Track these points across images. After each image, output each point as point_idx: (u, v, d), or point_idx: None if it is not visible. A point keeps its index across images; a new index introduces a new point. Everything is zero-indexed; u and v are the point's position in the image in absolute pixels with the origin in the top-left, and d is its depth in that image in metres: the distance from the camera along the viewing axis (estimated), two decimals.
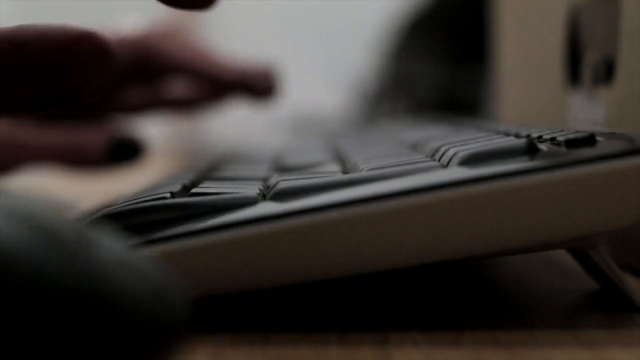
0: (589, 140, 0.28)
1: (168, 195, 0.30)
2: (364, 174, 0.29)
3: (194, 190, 0.31)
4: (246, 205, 0.28)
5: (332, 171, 0.34)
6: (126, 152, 0.53)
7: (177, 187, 0.32)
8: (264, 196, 0.30)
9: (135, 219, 0.28)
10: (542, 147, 0.29)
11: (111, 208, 0.29)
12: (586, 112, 0.41)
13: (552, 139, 0.30)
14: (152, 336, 0.18)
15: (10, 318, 0.16)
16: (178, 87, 0.60)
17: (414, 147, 0.38)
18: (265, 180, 0.35)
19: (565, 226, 0.27)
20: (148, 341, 0.17)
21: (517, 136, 0.34)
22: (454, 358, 0.25)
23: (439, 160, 0.31)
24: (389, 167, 0.30)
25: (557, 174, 0.26)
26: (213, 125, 1.73)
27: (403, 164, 0.30)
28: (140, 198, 0.30)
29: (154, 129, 1.59)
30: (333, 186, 0.28)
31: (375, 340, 0.26)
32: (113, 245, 0.18)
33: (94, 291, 0.17)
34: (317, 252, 0.27)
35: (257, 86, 0.56)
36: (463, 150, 0.29)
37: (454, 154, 0.29)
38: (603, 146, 0.28)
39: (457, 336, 0.27)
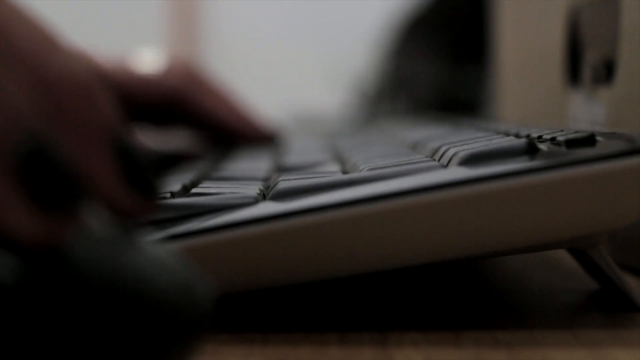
0: (589, 140, 0.28)
1: (168, 195, 0.30)
2: (364, 174, 0.29)
3: (194, 190, 0.31)
4: (246, 205, 0.28)
5: (332, 171, 0.34)
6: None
7: (177, 187, 0.32)
8: (264, 196, 0.30)
9: None
10: (542, 147, 0.29)
11: None
12: (586, 112, 0.41)
13: (552, 139, 0.30)
14: (181, 328, 0.18)
15: (65, 311, 0.17)
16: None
17: (414, 147, 0.38)
18: (265, 180, 0.35)
19: (565, 226, 0.27)
20: (177, 332, 0.18)
21: (517, 136, 0.34)
22: (454, 358, 0.25)
23: (439, 160, 0.31)
24: (389, 167, 0.30)
25: (557, 174, 0.26)
26: None
27: (403, 164, 0.30)
28: None
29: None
30: (333, 186, 0.28)
31: (375, 340, 0.26)
32: (146, 244, 0.19)
33: (135, 288, 0.18)
34: (317, 252, 0.27)
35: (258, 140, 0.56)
36: (463, 150, 0.29)
37: (454, 154, 0.29)
38: (603, 146, 0.28)
39: (457, 336, 0.27)
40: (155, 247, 0.19)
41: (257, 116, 0.56)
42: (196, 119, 0.54)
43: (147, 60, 0.55)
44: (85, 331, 0.17)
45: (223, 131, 0.55)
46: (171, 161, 0.53)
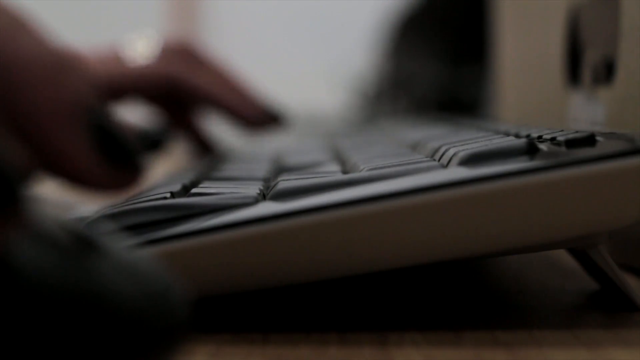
0: (589, 140, 0.28)
1: (168, 195, 0.30)
2: (364, 174, 0.29)
3: (194, 190, 0.31)
4: (246, 205, 0.28)
5: (332, 171, 0.34)
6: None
7: (177, 187, 0.32)
8: (264, 196, 0.30)
9: (135, 219, 0.28)
10: (542, 147, 0.29)
11: (112, 208, 0.29)
12: (586, 112, 0.41)
13: (552, 139, 0.30)
14: (148, 338, 0.17)
15: (7, 323, 0.16)
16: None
17: (414, 147, 0.38)
18: (265, 180, 0.35)
19: (565, 226, 0.27)
20: (144, 343, 0.17)
21: (517, 136, 0.34)
22: (454, 358, 0.25)
23: (439, 160, 0.31)
24: (389, 167, 0.30)
25: (557, 174, 0.26)
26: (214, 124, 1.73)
27: (403, 164, 0.30)
28: (140, 198, 0.30)
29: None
30: (333, 186, 0.28)
31: (375, 340, 0.26)
32: (112, 248, 0.18)
33: (91, 297, 0.17)
34: (317, 252, 0.27)
35: (261, 123, 0.55)
36: (463, 150, 0.29)
37: (454, 154, 0.29)
38: (603, 146, 0.28)
39: (457, 336, 0.27)
40: (127, 254, 0.18)
41: (260, 96, 0.55)
42: (194, 98, 0.54)
43: (141, 46, 0.55)
44: (52, 344, 0.16)
45: (221, 110, 0.54)
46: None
